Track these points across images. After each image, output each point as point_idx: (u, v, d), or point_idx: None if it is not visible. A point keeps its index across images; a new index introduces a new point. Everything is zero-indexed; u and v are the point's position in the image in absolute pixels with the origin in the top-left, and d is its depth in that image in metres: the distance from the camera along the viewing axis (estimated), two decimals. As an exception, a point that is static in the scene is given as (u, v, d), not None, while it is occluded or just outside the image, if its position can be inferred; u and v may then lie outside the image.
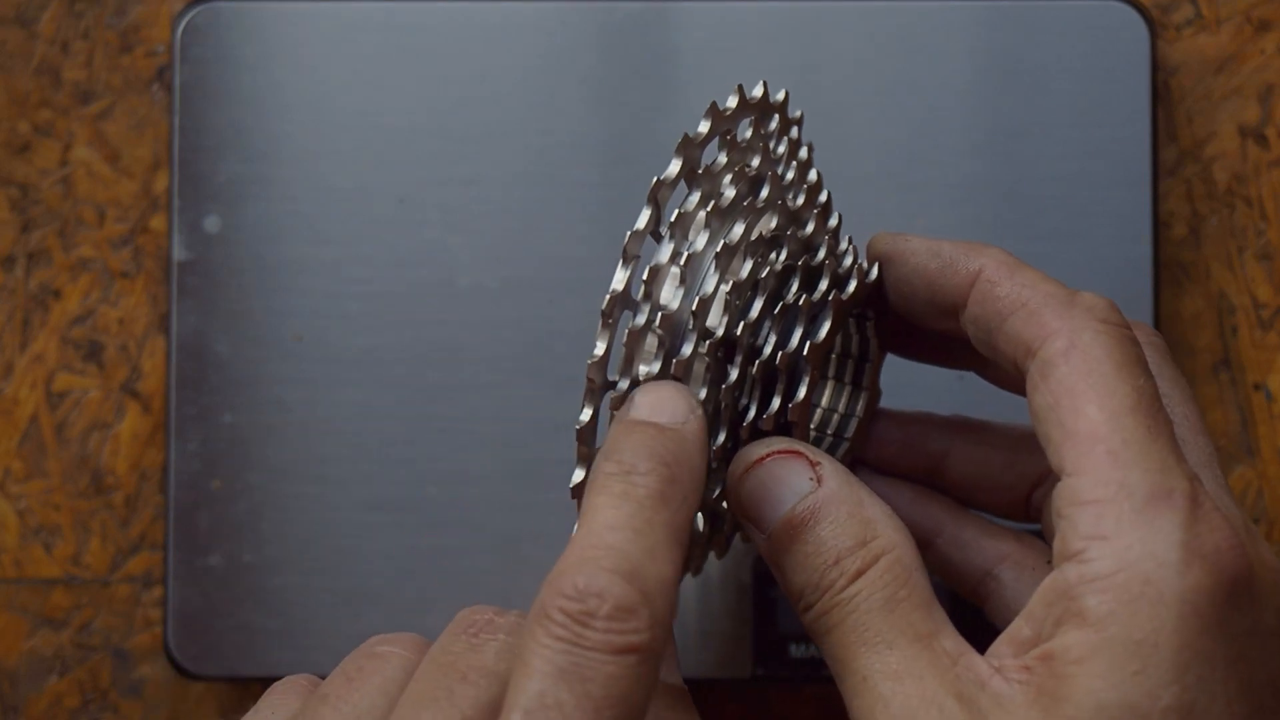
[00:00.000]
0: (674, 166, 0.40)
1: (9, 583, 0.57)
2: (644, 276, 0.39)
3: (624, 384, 0.39)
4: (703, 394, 0.40)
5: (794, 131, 0.43)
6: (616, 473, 0.36)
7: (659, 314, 0.39)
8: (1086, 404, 0.37)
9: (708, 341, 0.39)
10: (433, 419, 0.54)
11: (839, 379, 0.46)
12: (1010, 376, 0.41)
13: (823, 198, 0.43)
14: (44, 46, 0.57)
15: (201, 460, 0.54)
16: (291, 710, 0.38)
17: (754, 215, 0.41)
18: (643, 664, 0.33)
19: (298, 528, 0.54)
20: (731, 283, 0.40)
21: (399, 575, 0.53)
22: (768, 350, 0.40)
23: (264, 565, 0.54)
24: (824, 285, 0.41)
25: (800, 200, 0.42)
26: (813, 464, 0.39)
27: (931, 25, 0.54)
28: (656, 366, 0.39)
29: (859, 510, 0.38)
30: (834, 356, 0.45)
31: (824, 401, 0.46)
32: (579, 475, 0.39)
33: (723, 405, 0.40)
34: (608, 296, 0.38)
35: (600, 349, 0.39)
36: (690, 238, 0.40)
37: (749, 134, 0.42)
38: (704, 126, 0.40)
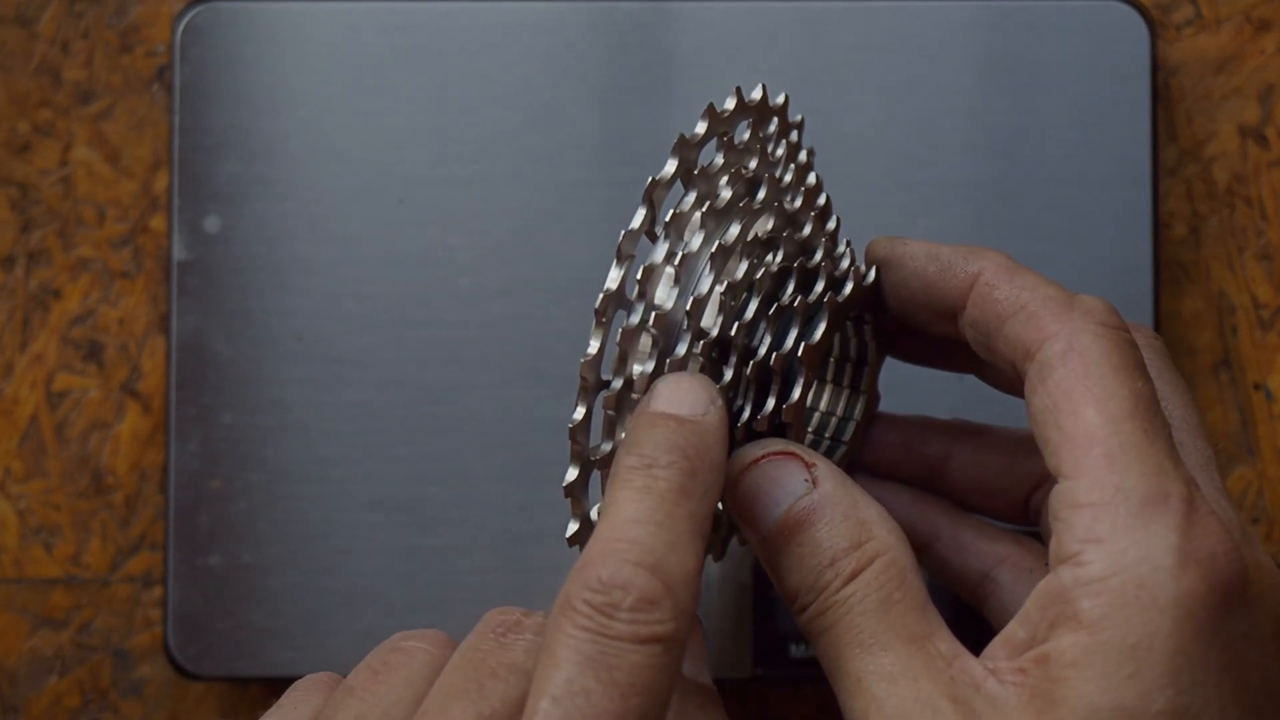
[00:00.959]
0: (670, 167, 0.40)
1: (9, 583, 0.57)
2: (638, 275, 0.39)
3: (618, 383, 0.39)
4: None
5: (794, 135, 0.43)
6: (638, 466, 0.36)
7: (653, 313, 0.39)
8: (1084, 407, 0.37)
9: (702, 341, 0.40)
10: (433, 419, 0.54)
11: (837, 382, 0.45)
12: (1009, 379, 0.41)
13: (821, 201, 0.43)
14: (44, 46, 0.57)
15: (201, 460, 0.54)
16: (315, 706, 0.39)
17: (750, 216, 0.41)
18: (667, 653, 0.34)
19: (298, 528, 0.54)
20: (726, 283, 0.40)
21: (399, 575, 0.53)
22: (762, 351, 0.40)
23: (264, 565, 0.54)
24: (820, 287, 0.41)
25: (798, 203, 0.42)
26: (808, 465, 0.39)
27: (931, 25, 0.54)
28: (651, 366, 0.39)
29: (854, 512, 0.38)
30: (832, 360, 0.45)
31: (822, 405, 0.46)
32: (572, 474, 0.39)
33: None
34: (601, 295, 0.39)
35: (594, 347, 0.39)
36: (685, 238, 0.40)
37: (747, 135, 0.42)
38: (701, 128, 0.40)
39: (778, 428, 0.41)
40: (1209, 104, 0.56)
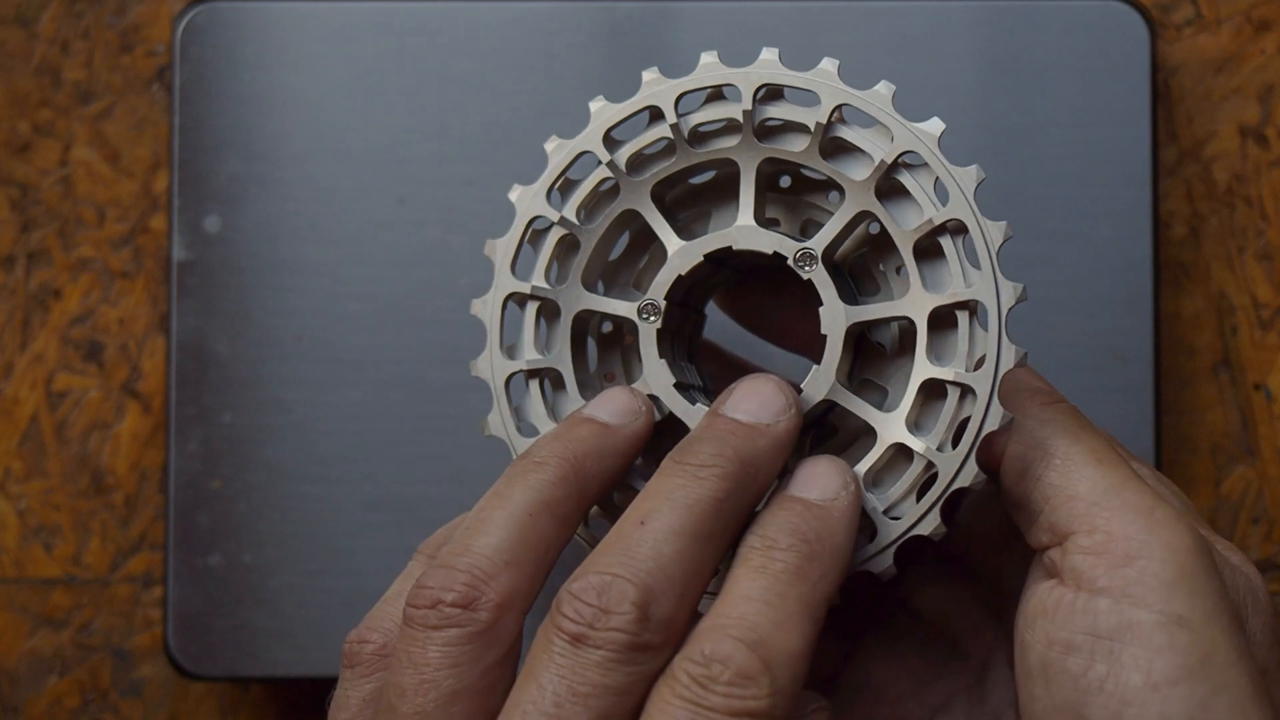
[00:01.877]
0: None
1: (9, 583, 0.57)
2: None
3: None
4: None
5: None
6: (759, 547, 0.37)
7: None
8: (1078, 484, 0.39)
9: None
10: (433, 419, 0.54)
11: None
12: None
13: None
14: (44, 46, 0.57)
15: (201, 460, 0.54)
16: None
17: None
18: None
19: (298, 528, 0.54)
20: None
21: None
22: None
23: (264, 565, 0.54)
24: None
25: None
26: None
27: (931, 25, 0.54)
28: None
29: None
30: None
31: None
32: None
33: None
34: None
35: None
36: None
37: None
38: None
39: None
40: (1209, 104, 0.56)
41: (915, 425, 0.40)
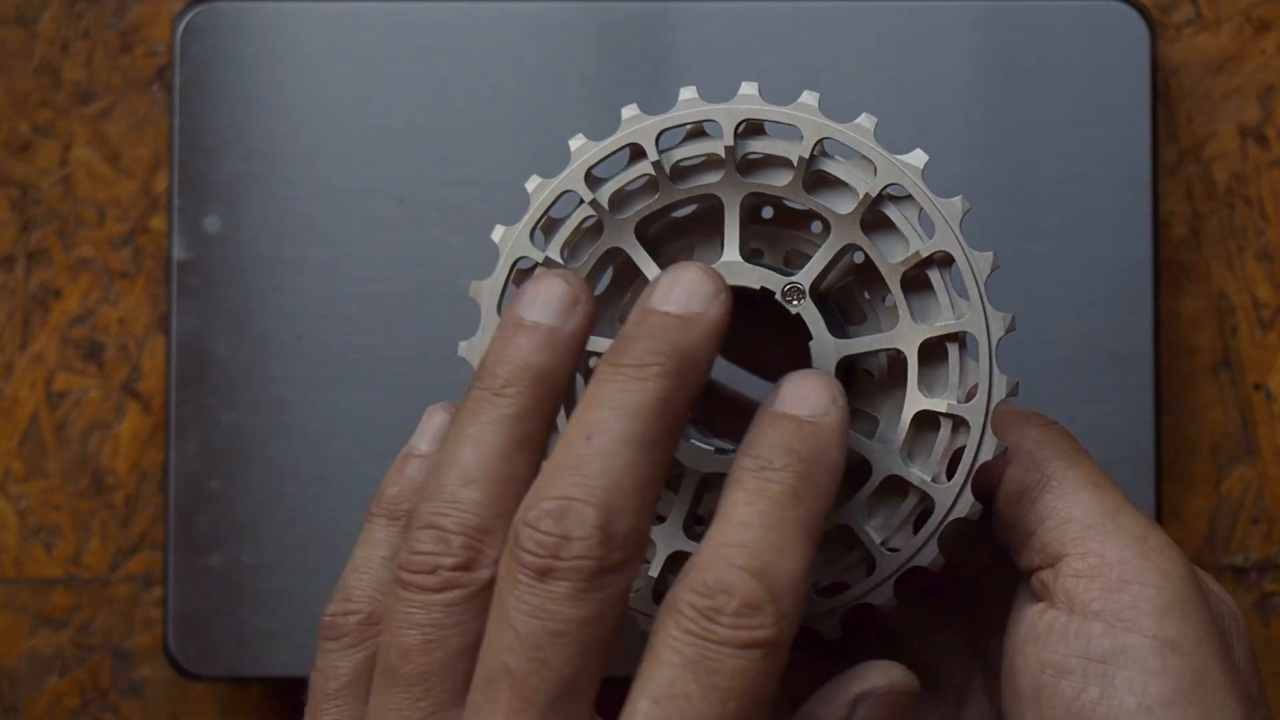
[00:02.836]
0: None
1: (9, 583, 0.57)
2: None
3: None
4: None
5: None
6: (752, 468, 0.36)
7: None
8: (1073, 508, 0.39)
9: None
10: (433, 419, 0.54)
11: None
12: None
13: None
14: (44, 46, 0.57)
15: (201, 460, 0.54)
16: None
17: None
18: (768, 658, 0.34)
19: (298, 528, 0.54)
20: None
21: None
22: None
23: (264, 565, 0.54)
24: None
25: None
26: None
27: (931, 25, 0.54)
28: None
29: None
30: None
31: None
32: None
33: None
34: None
35: None
36: None
37: None
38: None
39: None
40: (1209, 104, 0.56)
41: (909, 456, 0.40)
